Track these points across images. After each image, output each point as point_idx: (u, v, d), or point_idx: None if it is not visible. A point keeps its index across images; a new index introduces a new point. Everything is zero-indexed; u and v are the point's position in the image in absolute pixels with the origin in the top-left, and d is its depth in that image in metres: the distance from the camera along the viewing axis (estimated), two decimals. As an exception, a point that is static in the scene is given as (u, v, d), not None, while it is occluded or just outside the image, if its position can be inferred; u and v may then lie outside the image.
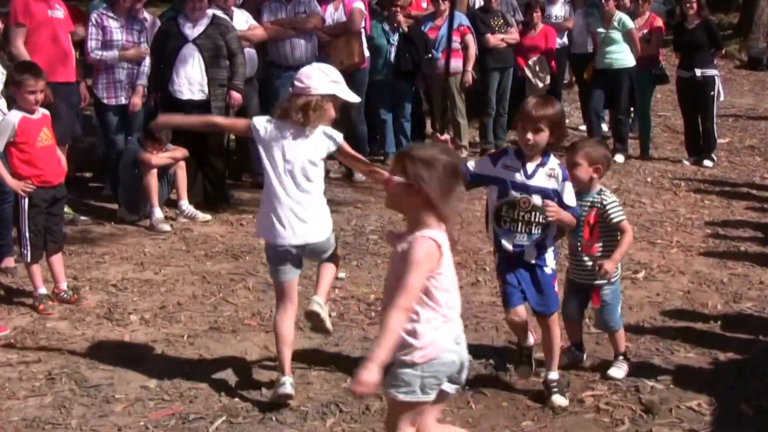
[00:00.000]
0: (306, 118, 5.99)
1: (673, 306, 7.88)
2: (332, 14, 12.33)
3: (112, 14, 10.65)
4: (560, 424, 5.85)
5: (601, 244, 6.33)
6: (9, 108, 8.39)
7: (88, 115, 11.87)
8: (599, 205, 6.28)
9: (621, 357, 6.59)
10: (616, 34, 13.50)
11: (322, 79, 6.02)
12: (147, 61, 10.78)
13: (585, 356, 6.72)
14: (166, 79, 10.66)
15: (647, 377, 6.44)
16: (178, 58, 10.57)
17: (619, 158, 13.31)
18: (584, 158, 6.25)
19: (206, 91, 10.61)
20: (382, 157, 13.16)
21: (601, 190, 6.34)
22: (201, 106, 10.56)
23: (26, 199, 7.68)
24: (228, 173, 11.62)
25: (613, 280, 6.45)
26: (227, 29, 10.75)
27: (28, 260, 7.79)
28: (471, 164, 6.00)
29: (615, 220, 6.27)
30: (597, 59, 13.68)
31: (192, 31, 10.60)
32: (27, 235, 7.73)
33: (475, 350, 6.83)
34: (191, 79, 10.57)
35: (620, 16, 13.56)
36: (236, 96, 10.70)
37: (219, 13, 11.01)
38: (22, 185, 7.65)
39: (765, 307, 7.89)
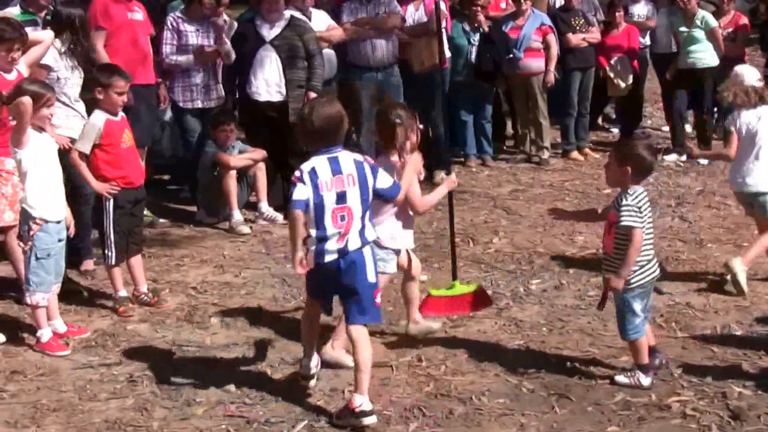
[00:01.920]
0: None
1: (760, 310, 7.72)
2: (413, 14, 12.30)
3: (187, 18, 10.72)
4: (646, 429, 5.78)
5: (615, 246, 6.26)
6: (87, 110, 8.44)
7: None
8: (617, 205, 6.24)
9: (637, 367, 6.44)
10: (699, 33, 13.31)
11: None
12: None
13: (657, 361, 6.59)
14: (243, 80, 10.71)
15: (735, 383, 6.32)
16: (256, 60, 10.60)
17: (703, 160, 13.10)
18: (614, 159, 6.36)
19: (284, 92, 10.62)
20: (462, 159, 13.09)
21: (627, 191, 6.25)
22: (279, 108, 10.60)
23: (111, 201, 7.73)
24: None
25: (627, 286, 6.31)
26: (305, 30, 10.76)
27: (112, 262, 7.84)
28: None
29: (622, 223, 6.15)
30: (680, 59, 13.50)
31: (269, 32, 10.62)
32: (112, 237, 7.78)
33: (559, 354, 6.87)
34: (269, 80, 10.59)
35: (703, 14, 13.36)
36: (314, 97, 10.63)
37: (297, 14, 11.02)
38: (107, 187, 7.71)
39: None
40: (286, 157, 10.70)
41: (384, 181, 6.00)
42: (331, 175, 5.82)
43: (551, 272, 8.78)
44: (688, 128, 14.14)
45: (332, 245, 5.84)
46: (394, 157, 6.65)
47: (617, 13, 13.86)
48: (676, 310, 7.71)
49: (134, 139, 8.07)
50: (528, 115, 13.48)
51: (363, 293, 5.93)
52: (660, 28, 14.19)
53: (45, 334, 7.14)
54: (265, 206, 10.53)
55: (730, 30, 13.63)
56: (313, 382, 6.34)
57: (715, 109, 13.75)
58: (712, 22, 13.31)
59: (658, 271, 6.46)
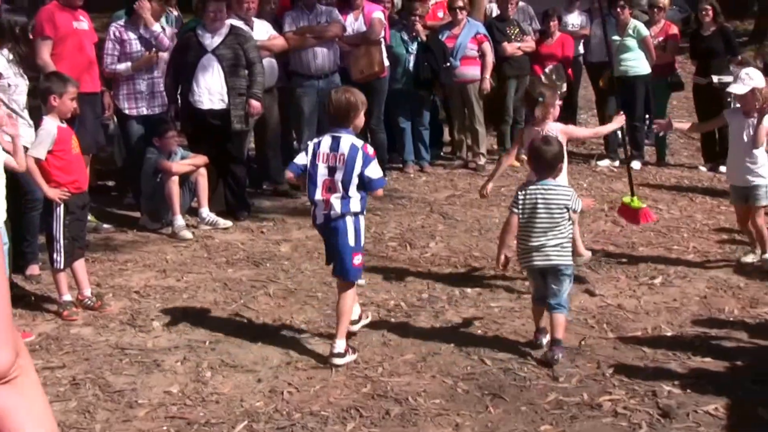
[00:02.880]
0: None
1: (689, 312, 7.88)
2: (352, 24, 12.43)
3: (130, 27, 10.80)
4: (578, 428, 5.88)
5: None
6: (32, 118, 8.52)
7: (106, 125, 11.96)
8: None
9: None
10: (631, 42, 13.59)
11: None
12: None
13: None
14: (186, 89, 10.76)
15: (664, 382, 6.47)
16: (198, 68, 10.65)
17: (636, 165, 13.37)
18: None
19: (226, 100, 10.68)
20: (401, 165, 13.26)
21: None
22: (221, 115, 10.68)
23: (61, 207, 7.79)
24: (248, 181, 11.70)
25: None
26: (245, 39, 10.84)
27: (61, 266, 7.88)
28: None
29: None
30: (613, 67, 13.75)
31: (211, 41, 10.68)
32: (62, 242, 7.83)
33: (494, 355, 6.99)
34: (211, 89, 10.64)
35: (635, 24, 13.64)
36: (255, 104, 10.79)
37: (238, 23, 11.11)
38: (59, 193, 7.77)
39: None
40: (228, 164, 10.83)
41: (373, 171, 6.76)
42: (329, 150, 6.76)
43: (486, 276, 8.91)
44: (620, 134, 14.41)
45: (320, 211, 6.85)
46: (537, 128, 8.09)
47: (552, 23, 14.11)
48: (607, 312, 7.84)
49: (80, 146, 8.11)
50: (465, 122, 13.65)
51: (343, 254, 6.87)
52: (594, 37, 14.44)
53: None
54: (206, 212, 10.61)
55: (661, 39, 13.90)
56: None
57: (647, 116, 14.01)
58: (644, 31, 13.57)
59: (533, 263, 6.97)
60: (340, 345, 6.85)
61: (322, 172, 6.77)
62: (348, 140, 6.77)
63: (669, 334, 7.46)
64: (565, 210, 6.83)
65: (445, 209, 11.41)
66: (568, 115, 14.75)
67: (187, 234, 10.22)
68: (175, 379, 6.67)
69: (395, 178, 12.86)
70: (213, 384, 6.58)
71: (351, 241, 6.85)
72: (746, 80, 8.45)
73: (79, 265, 8.11)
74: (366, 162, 6.73)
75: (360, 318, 7.52)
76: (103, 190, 11.93)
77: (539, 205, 6.84)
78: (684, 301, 8.17)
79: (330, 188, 6.77)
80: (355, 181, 6.74)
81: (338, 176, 6.73)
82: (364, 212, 6.97)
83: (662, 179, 12.93)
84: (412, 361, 6.91)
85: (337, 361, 6.80)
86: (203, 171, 10.59)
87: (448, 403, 6.23)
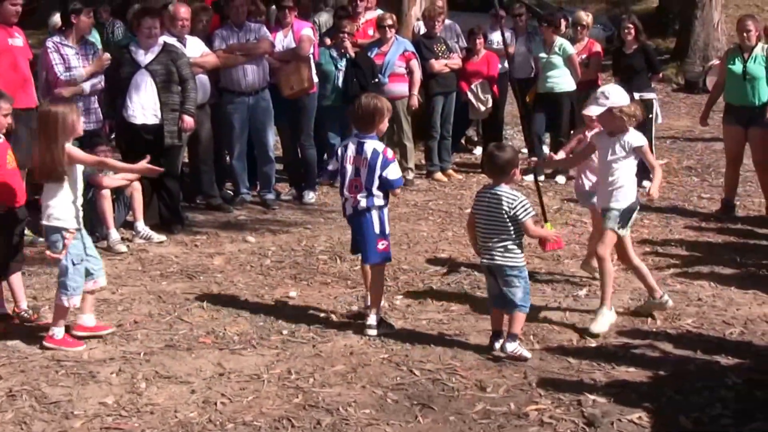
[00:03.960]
0: None
1: (614, 323, 7.99)
2: (282, 41, 12.50)
3: (67, 42, 10.88)
4: (505, 436, 6.03)
5: None
6: None
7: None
8: None
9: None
10: (557, 60, 13.90)
11: None
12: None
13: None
14: (120, 104, 10.80)
15: (589, 391, 6.60)
16: (132, 84, 10.70)
17: (561, 179, 13.65)
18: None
19: (159, 115, 10.74)
20: (331, 180, 13.39)
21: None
22: (154, 130, 10.76)
23: None
24: (182, 196, 11.73)
25: None
26: (178, 56, 10.90)
27: None
28: None
29: None
30: (539, 84, 14.05)
31: (144, 57, 10.75)
32: None
33: (422, 366, 7.10)
34: (144, 104, 10.70)
35: (561, 42, 13.93)
36: (188, 120, 10.88)
37: (171, 40, 11.20)
38: None
39: (703, 324, 8.05)
40: (162, 178, 10.91)
41: (392, 173, 7.70)
42: (355, 154, 7.72)
43: (415, 288, 9.05)
44: (546, 150, 14.61)
45: (348, 205, 7.84)
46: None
47: (477, 41, 14.30)
48: (534, 323, 7.92)
49: (16, 160, 8.16)
50: (393, 138, 13.79)
51: (369, 241, 7.81)
52: (518, 55, 14.72)
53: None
54: (141, 225, 10.65)
55: (585, 56, 14.21)
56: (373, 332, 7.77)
57: (571, 132, 14.23)
58: (570, 49, 13.86)
59: (482, 260, 7.38)
60: (372, 318, 7.81)
61: (349, 172, 7.74)
62: (371, 145, 7.68)
63: (593, 345, 7.60)
64: (507, 216, 7.13)
65: (375, 223, 11.47)
66: (493, 132, 15.02)
67: (122, 247, 10.25)
68: (110, 390, 6.71)
69: (325, 192, 12.98)
70: (148, 395, 6.63)
71: (376, 229, 7.76)
72: (601, 99, 7.96)
73: (15, 278, 8.14)
74: (385, 164, 7.65)
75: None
76: (38, 204, 11.89)
77: (484, 209, 7.25)
78: (607, 312, 8.29)
79: (356, 186, 7.73)
80: (376, 182, 7.66)
81: (363, 176, 7.68)
82: (388, 204, 7.87)
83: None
84: (342, 372, 7.00)
85: (370, 332, 7.75)
86: (137, 185, 10.62)
87: (378, 413, 6.33)
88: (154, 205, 11.11)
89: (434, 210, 12.20)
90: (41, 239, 10.29)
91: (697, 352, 7.41)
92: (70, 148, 7.51)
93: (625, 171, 7.91)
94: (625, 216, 7.95)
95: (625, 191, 7.92)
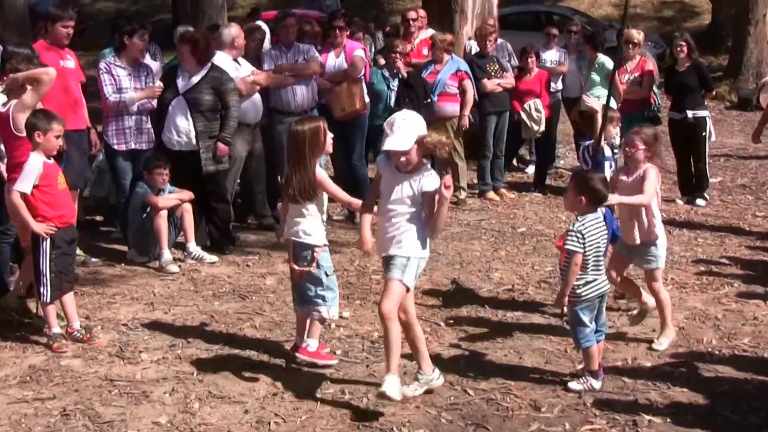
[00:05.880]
0: None
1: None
2: (334, 61, 12.51)
3: (119, 63, 10.93)
4: (560, 455, 6.00)
5: (564, 265, 6.99)
6: None
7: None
8: (569, 230, 7.00)
9: (588, 373, 7.02)
10: (596, 77, 13.87)
11: None
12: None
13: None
14: (160, 129, 10.85)
15: (645, 412, 6.57)
16: (170, 111, 10.72)
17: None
18: (572, 187, 7.18)
19: (194, 142, 10.69)
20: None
21: (578, 217, 7.02)
22: (192, 158, 10.75)
23: (47, 241, 7.89)
24: (234, 216, 11.75)
25: (576, 299, 6.96)
26: (221, 82, 10.80)
27: (47, 300, 7.96)
28: None
29: (566, 246, 6.91)
30: (581, 102, 13.97)
31: (185, 83, 10.73)
32: (48, 275, 7.92)
33: (477, 386, 7.09)
34: (179, 130, 10.69)
35: (602, 59, 13.90)
36: (222, 147, 10.78)
37: (227, 59, 11.22)
38: (44, 227, 7.86)
39: (759, 343, 8.01)
40: (209, 201, 10.93)
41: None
42: None
43: (467, 308, 9.01)
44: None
45: None
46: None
47: (529, 59, 14.21)
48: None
49: (67, 181, 8.22)
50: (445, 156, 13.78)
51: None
52: (570, 73, 14.68)
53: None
54: (192, 246, 10.64)
55: (637, 75, 14.10)
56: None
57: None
58: (609, 65, 13.73)
59: (605, 287, 7.03)
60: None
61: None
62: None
63: (648, 364, 7.56)
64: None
65: (427, 242, 11.47)
66: (546, 151, 14.98)
67: (174, 268, 10.28)
68: (163, 410, 6.74)
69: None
70: (201, 415, 6.65)
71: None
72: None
73: (68, 298, 8.18)
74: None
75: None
76: (91, 224, 12.03)
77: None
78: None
79: None
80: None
81: None
82: None
83: (640, 212, 13.04)
84: (396, 392, 6.99)
85: None
86: (188, 206, 10.62)
87: (432, 433, 6.30)
88: (203, 227, 11.11)
89: (487, 229, 12.16)
90: (93, 259, 10.39)
91: (753, 373, 7.35)
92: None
93: None
94: None
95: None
